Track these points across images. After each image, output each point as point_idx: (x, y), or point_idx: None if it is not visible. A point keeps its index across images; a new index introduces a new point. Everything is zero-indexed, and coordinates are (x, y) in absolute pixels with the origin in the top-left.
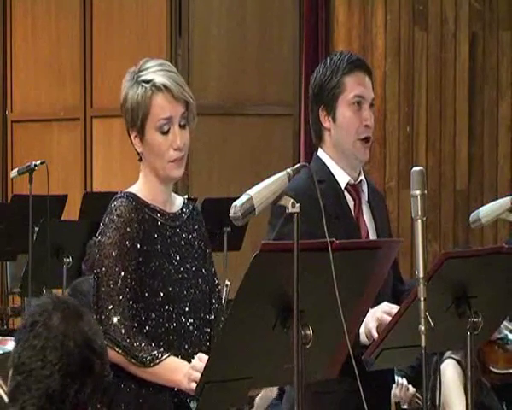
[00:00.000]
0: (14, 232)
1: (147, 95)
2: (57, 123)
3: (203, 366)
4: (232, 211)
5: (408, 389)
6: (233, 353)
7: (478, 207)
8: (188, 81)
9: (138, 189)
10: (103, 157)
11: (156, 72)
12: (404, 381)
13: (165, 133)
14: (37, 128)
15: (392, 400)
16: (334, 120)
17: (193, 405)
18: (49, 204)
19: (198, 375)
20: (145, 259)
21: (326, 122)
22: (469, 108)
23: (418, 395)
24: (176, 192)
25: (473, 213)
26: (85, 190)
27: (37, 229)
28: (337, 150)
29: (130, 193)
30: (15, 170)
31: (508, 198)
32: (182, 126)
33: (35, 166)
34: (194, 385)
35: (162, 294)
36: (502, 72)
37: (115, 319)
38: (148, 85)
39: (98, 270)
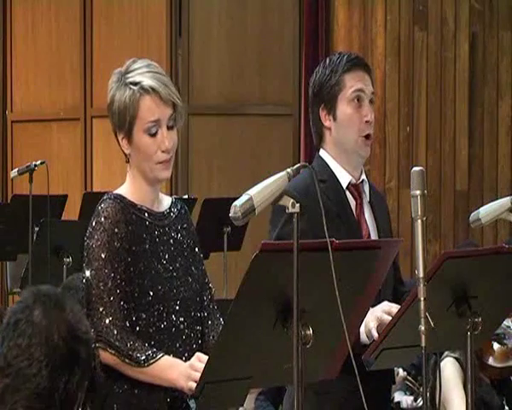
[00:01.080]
0: (14, 232)
1: (135, 97)
2: (57, 123)
3: (202, 365)
4: (232, 211)
5: (398, 373)
6: (233, 353)
7: (478, 208)
8: (188, 81)
9: (126, 190)
10: (103, 157)
11: (144, 73)
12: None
13: (153, 135)
14: (37, 128)
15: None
16: (334, 118)
17: (193, 405)
18: (49, 204)
19: (197, 375)
20: (134, 259)
21: (327, 121)
22: (469, 108)
23: (409, 378)
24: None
25: (473, 213)
26: (85, 190)
27: (37, 229)
28: (338, 149)
29: (118, 194)
30: (15, 170)
31: (508, 198)
32: (170, 128)
33: (35, 166)
34: (193, 385)
35: (152, 293)
36: (502, 72)
37: (107, 321)
38: (135, 88)
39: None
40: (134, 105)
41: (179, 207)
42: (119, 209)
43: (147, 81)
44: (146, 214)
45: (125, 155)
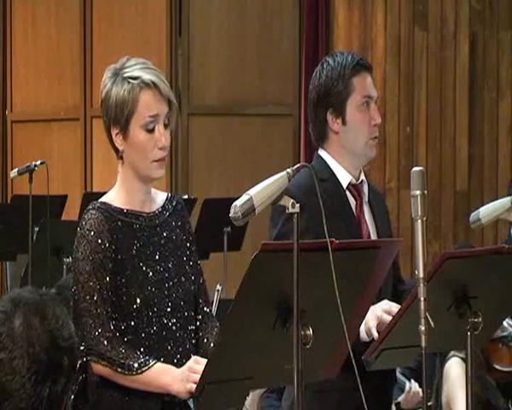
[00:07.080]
0: (14, 232)
1: (134, 91)
2: (57, 123)
3: (201, 367)
4: (232, 211)
5: (419, 393)
6: (233, 353)
7: (478, 208)
8: (188, 81)
9: (115, 193)
10: (103, 157)
11: (142, 69)
12: (416, 386)
13: (151, 132)
14: (37, 128)
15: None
16: (344, 122)
17: (192, 405)
18: (49, 204)
19: (197, 376)
20: (120, 268)
21: (335, 125)
22: (469, 108)
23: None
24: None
25: (473, 214)
26: (85, 190)
27: (37, 229)
28: (344, 151)
29: (102, 203)
30: (15, 170)
31: (508, 198)
32: (165, 126)
33: (35, 166)
34: (192, 386)
35: (139, 300)
36: (502, 72)
37: (96, 333)
38: (135, 82)
39: (75, 287)
40: (134, 98)
41: (175, 203)
42: (102, 219)
43: (147, 76)
44: (134, 218)
45: (117, 151)
